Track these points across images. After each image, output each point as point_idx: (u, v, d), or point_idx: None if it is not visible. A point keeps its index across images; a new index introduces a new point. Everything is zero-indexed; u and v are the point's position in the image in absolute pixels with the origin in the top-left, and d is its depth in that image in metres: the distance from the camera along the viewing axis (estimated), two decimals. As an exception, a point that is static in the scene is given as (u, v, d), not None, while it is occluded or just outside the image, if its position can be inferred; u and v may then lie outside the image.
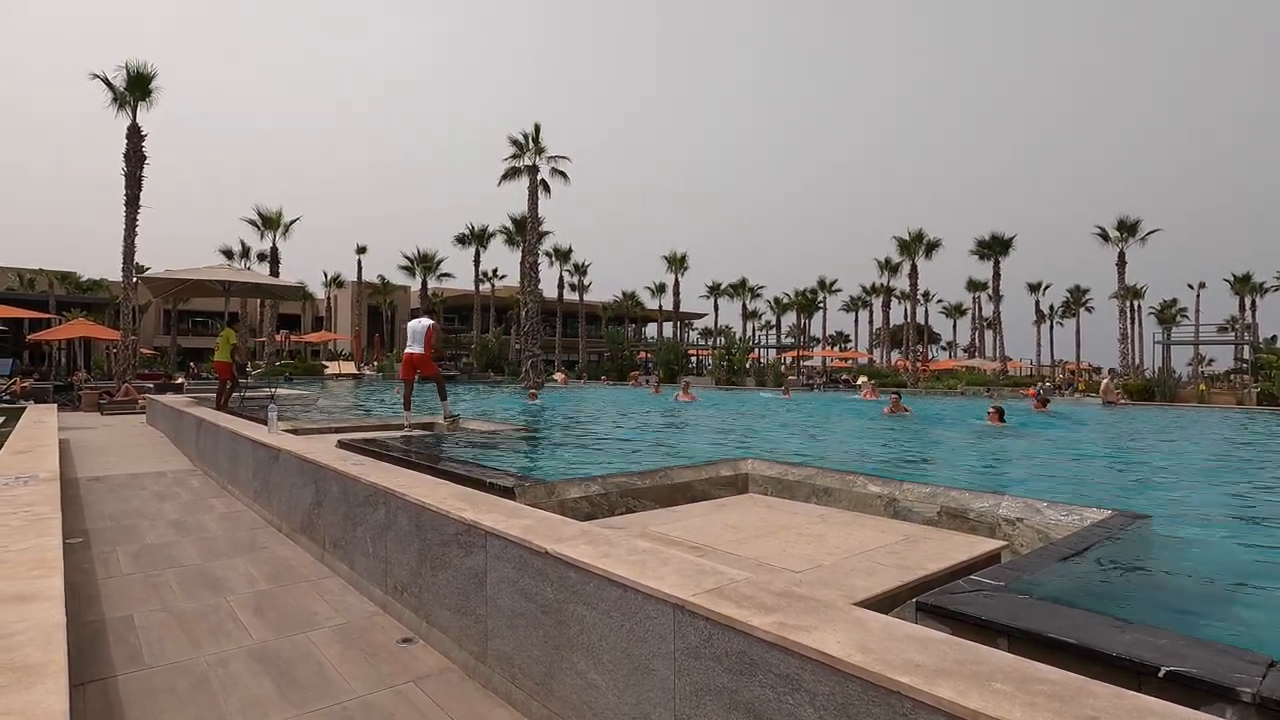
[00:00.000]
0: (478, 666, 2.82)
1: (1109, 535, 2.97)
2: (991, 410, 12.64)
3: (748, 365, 39.64)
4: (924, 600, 2.07)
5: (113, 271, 23.03)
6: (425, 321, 8.25)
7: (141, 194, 22.21)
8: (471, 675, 2.84)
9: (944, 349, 75.62)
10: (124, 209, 21.89)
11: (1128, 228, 38.63)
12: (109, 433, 12.07)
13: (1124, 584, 2.48)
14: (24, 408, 10.96)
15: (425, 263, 48.01)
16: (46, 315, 26.82)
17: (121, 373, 21.31)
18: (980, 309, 60.78)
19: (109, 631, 3.28)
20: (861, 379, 35.23)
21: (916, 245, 40.11)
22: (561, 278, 54.79)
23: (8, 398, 15.11)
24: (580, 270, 55.71)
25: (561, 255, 53.09)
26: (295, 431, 7.22)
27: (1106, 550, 2.77)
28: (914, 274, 40.78)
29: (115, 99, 22.00)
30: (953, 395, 28.85)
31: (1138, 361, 49.76)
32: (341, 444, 5.66)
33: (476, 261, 47.90)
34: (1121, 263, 39.08)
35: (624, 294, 61.99)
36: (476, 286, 49.06)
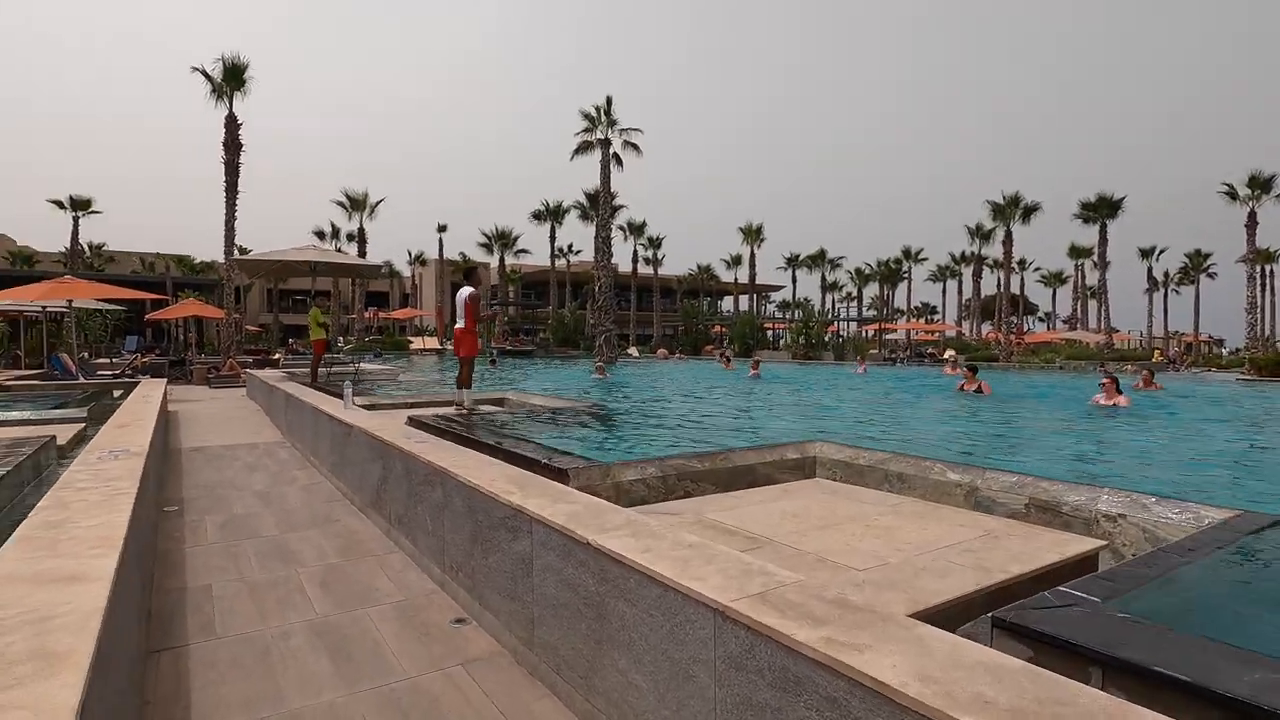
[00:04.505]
0: (525, 653, 2.77)
1: (1234, 540, 2.57)
2: (1105, 380, 11.29)
3: (826, 339, 38.39)
4: (1001, 615, 1.82)
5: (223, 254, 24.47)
6: (464, 291, 7.26)
7: (240, 180, 23.58)
8: (519, 661, 2.80)
9: (1041, 320, 70.78)
10: (224, 194, 23.33)
11: (1260, 184, 34.59)
12: (213, 405, 12.99)
13: (1252, 604, 2.06)
14: (139, 382, 11.93)
15: (503, 239, 48.94)
16: (163, 296, 29.13)
17: (226, 349, 22.93)
18: (1083, 277, 56.15)
19: (188, 600, 3.46)
20: (949, 352, 33.46)
21: (1013, 209, 37.34)
22: (635, 251, 54.74)
23: (130, 372, 16.51)
24: (654, 244, 55.43)
25: (635, 229, 52.96)
26: (371, 407, 7.46)
27: (1231, 559, 2.39)
28: (1009, 240, 38.07)
29: (214, 90, 23.34)
30: (1050, 370, 26.95)
31: (1268, 333, 44.85)
32: (410, 420, 5.78)
33: (552, 237, 48.44)
34: (1252, 223, 35.11)
35: (699, 267, 61.33)
36: (552, 262, 49.69)
